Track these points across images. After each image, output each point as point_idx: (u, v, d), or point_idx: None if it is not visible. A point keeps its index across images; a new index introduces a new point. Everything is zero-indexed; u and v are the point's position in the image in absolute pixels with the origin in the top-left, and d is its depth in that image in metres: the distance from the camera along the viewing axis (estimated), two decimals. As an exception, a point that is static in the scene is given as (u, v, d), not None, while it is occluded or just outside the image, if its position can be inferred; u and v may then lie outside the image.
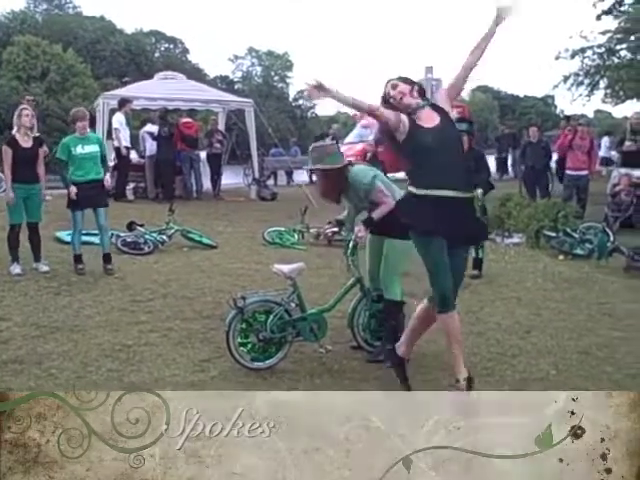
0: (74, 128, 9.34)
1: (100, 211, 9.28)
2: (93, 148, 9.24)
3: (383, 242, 6.10)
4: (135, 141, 18.48)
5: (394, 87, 5.06)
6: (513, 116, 71.92)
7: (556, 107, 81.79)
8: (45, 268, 9.31)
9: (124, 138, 16.56)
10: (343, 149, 17.89)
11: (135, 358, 6.14)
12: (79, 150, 9.14)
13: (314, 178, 21.54)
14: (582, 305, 8.15)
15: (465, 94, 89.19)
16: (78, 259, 9.29)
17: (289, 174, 26.22)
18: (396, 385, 5.50)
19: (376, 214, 5.93)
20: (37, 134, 9.42)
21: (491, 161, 27.99)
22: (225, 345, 5.84)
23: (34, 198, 9.21)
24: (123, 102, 16.93)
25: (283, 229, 12.29)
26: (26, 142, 9.11)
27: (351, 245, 6.14)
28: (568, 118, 19.34)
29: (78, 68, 48.50)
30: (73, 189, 9.06)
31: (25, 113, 9.16)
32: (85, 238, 9.44)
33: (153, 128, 17.41)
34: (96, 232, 9.56)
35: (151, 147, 17.32)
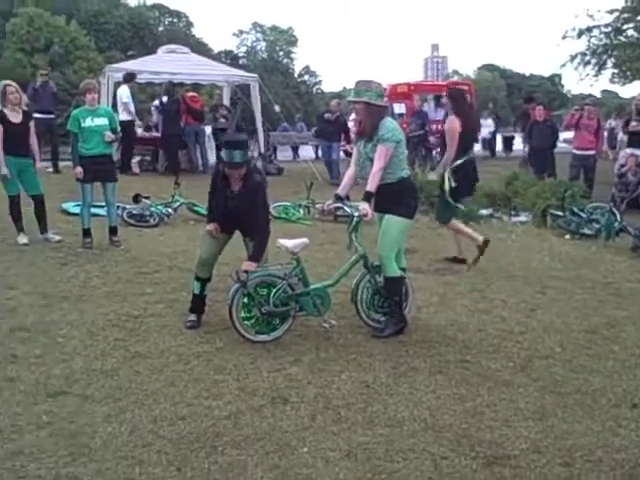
0: (83, 100, 9.30)
1: (108, 186, 9.24)
2: (102, 121, 9.12)
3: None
4: (139, 114, 18.44)
5: None
6: (519, 95, 71.55)
7: (563, 86, 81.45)
8: (57, 238, 9.35)
9: (130, 112, 16.52)
10: (350, 125, 17.74)
11: (141, 328, 6.18)
12: (88, 123, 9.04)
13: (319, 154, 21.50)
14: (588, 284, 8.14)
15: (471, 72, 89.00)
16: (86, 233, 9.25)
17: (295, 149, 26.17)
18: (401, 360, 5.55)
19: (370, 185, 5.95)
20: (25, 108, 9.37)
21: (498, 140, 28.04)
22: (229, 318, 5.86)
23: (28, 171, 9.19)
24: (128, 75, 16.87)
25: (289, 204, 12.29)
26: (15, 117, 9.07)
27: (354, 222, 6.16)
28: (531, 99, 19.47)
29: (82, 41, 48.29)
30: (78, 170, 8.98)
31: (9, 90, 9.02)
32: (92, 210, 9.43)
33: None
34: (103, 204, 9.55)
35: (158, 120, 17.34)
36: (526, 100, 21.08)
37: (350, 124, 19.65)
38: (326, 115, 18.06)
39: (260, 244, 5.99)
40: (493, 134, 27.26)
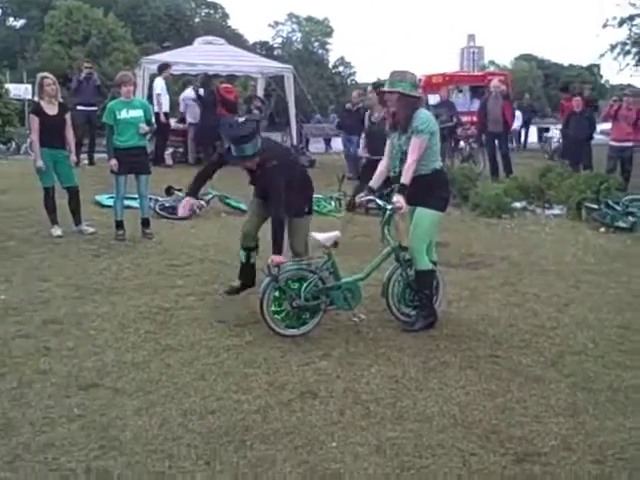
0: (118, 92, 9.37)
1: (142, 178, 9.30)
2: (137, 113, 9.17)
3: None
4: (175, 106, 18.52)
5: None
6: (556, 85, 70.66)
7: (602, 77, 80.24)
8: (91, 230, 9.46)
9: (165, 104, 16.60)
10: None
11: (172, 321, 6.22)
12: (123, 115, 9.09)
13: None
14: (623, 279, 8.02)
15: (508, 62, 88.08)
16: (119, 225, 9.33)
17: (327, 141, 26.12)
18: (431, 355, 5.52)
19: (405, 178, 5.90)
20: (61, 100, 9.46)
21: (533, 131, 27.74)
22: (259, 312, 5.87)
23: (63, 163, 9.29)
24: (163, 67, 16.94)
25: (320, 196, 12.26)
26: (51, 109, 9.17)
27: (387, 215, 6.11)
28: (566, 89, 19.12)
29: (119, 32, 48.54)
30: (113, 162, 9.05)
31: (47, 82, 9.15)
32: (125, 202, 9.50)
33: (192, 93, 17.44)
34: (135, 196, 9.61)
35: (193, 113, 17.36)
36: (562, 89, 20.77)
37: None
38: (347, 105, 17.90)
39: (274, 235, 5.97)
40: (521, 126, 26.86)
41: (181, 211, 6.72)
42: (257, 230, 6.55)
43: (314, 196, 7.23)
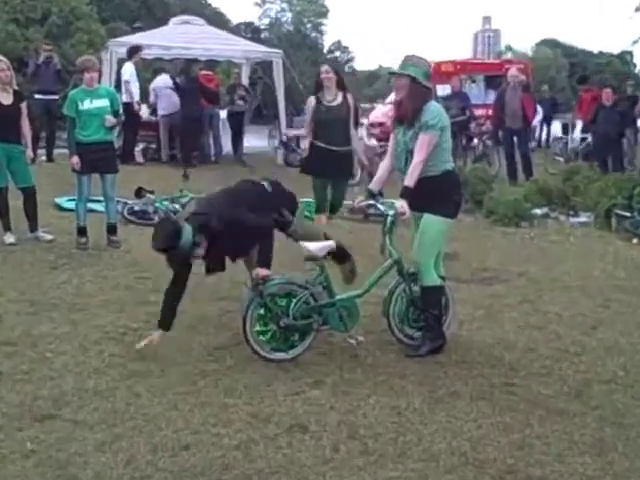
0: (81, 79, 9.34)
1: (108, 178, 9.28)
2: (102, 103, 9.15)
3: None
4: (145, 95, 18.53)
5: None
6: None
7: (635, 65, 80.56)
8: (48, 237, 9.44)
9: (135, 92, 16.60)
10: (385, 109, 17.64)
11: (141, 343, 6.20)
12: (86, 105, 9.06)
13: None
14: (658, 297, 8.07)
15: (528, 48, 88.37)
16: (82, 232, 9.31)
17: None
18: (439, 383, 5.52)
19: (409, 180, 5.89)
20: (16, 88, 9.43)
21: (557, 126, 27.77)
22: (242, 332, 5.86)
23: (18, 160, 9.26)
24: (133, 50, 16.96)
25: (312, 200, 12.25)
26: (5, 98, 9.16)
27: (389, 222, 6.12)
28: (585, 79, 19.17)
29: (82, 10, 48.46)
30: (75, 159, 9.03)
31: (0, 67, 9.16)
32: (88, 205, 9.47)
33: (167, 81, 17.44)
34: (100, 199, 9.59)
35: (167, 103, 17.37)
36: (579, 80, 20.73)
37: (383, 109, 19.55)
38: None
39: (262, 245, 5.96)
40: (542, 122, 26.82)
41: None
42: None
43: (304, 200, 7.32)
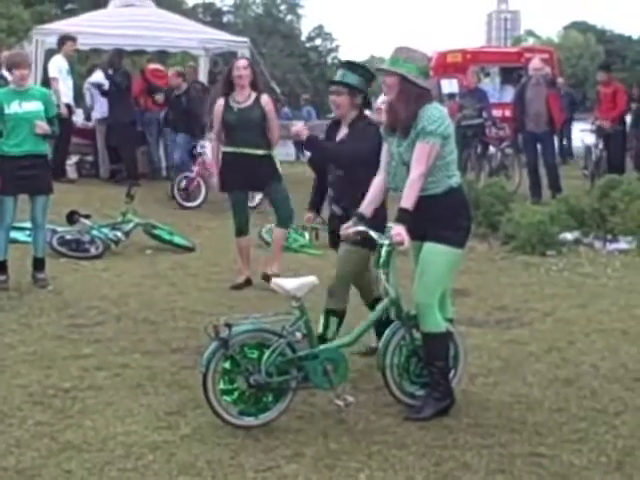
0: (3, 76, 9.30)
1: (39, 200, 9.24)
2: (35, 106, 9.14)
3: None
4: (81, 96, 18.52)
5: None
6: (623, 65, 71.52)
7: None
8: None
9: (64, 92, 16.57)
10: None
11: (74, 407, 6.18)
12: (14, 108, 9.04)
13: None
14: None
15: (554, 33, 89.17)
16: (1, 268, 9.27)
17: (299, 145, 26.16)
18: (446, 454, 5.52)
19: (406, 200, 5.90)
20: None
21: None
22: (202, 392, 5.85)
23: None
24: (64, 40, 16.93)
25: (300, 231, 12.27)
26: None
27: (384, 253, 6.13)
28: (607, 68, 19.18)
29: (0, -11, 48.63)
30: None
31: None
32: (10, 234, 9.39)
33: (102, 78, 17.45)
34: (26, 226, 9.55)
35: (103, 106, 17.38)
36: (602, 67, 20.49)
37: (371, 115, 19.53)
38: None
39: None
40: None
41: None
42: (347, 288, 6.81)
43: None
